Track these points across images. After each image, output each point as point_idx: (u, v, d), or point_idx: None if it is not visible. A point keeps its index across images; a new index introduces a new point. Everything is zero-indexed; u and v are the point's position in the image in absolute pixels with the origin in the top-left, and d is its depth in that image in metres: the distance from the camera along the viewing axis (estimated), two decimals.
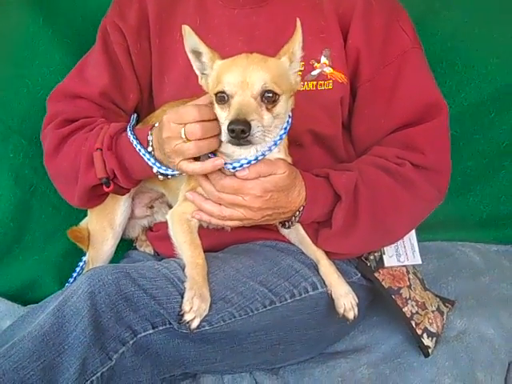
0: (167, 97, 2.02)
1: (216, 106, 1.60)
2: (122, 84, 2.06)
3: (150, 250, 2.16)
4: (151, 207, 2.10)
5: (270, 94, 1.57)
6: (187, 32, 1.63)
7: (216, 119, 1.62)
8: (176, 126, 1.61)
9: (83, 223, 2.14)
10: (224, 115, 1.57)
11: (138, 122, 2.06)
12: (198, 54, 1.66)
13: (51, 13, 2.27)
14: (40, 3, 2.26)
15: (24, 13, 2.24)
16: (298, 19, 1.63)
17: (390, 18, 1.94)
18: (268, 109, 1.57)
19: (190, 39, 1.64)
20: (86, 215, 2.13)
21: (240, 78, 1.55)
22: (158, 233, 2.06)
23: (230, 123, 1.50)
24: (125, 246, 2.19)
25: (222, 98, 1.57)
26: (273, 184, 1.67)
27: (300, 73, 1.73)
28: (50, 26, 2.26)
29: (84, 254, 2.10)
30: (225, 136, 1.54)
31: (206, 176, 1.71)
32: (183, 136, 1.60)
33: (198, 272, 1.66)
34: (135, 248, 2.20)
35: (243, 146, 1.60)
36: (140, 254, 2.16)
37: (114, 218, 2.01)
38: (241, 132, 1.50)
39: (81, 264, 2.09)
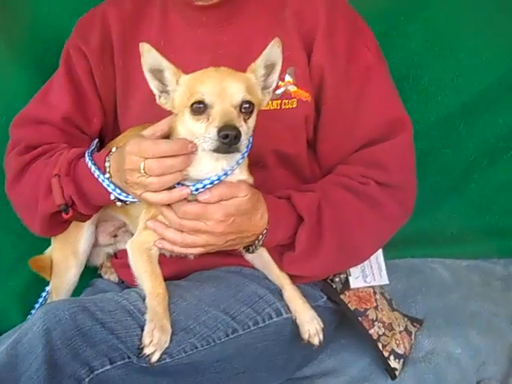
0: (132, 120, 2.00)
1: (189, 118, 1.57)
2: (85, 108, 2.04)
3: (114, 277, 2.13)
4: (115, 236, 2.08)
5: (247, 105, 1.57)
6: (146, 49, 1.60)
7: (176, 155, 1.59)
8: (137, 159, 1.59)
9: (47, 252, 2.11)
10: (201, 126, 1.54)
11: (102, 146, 2.03)
12: (157, 72, 1.63)
13: (13, 38, 2.25)
14: (1, 28, 2.22)
15: None
16: (277, 38, 1.64)
17: (353, 35, 1.94)
18: (245, 120, 1.56)
19: (149, 56, 1.61)
20: (50, 244, 2.10)
21: (218, 87, 1.55)
22: (123, 260, 2.03)
23: (222, 129, 1.48)
24: (89, 273, 2.15)
25: (199, 108, 1.55)
26: (235, 207, 1.65)
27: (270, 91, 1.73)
28: (12, 51, 2.24)
29: (48, 284, 2.07)
30: (212, 144, 1.50)
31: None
32: (142, 171, 1.58)
33: (159, 302, 1.63)
34: (100, 276, 2.17)
35: (229, 154, 1.57)
36: (104, 282, 2.13)
37: (77, 246, 1.98)
38: (234, 137, 1.48)
39: (44, 294, 2.07)
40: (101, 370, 1.53)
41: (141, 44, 1.59)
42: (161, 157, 1.58)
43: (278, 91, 1.89)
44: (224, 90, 1.55)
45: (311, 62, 1.91)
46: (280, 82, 1.89)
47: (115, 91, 2.06)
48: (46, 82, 2.11)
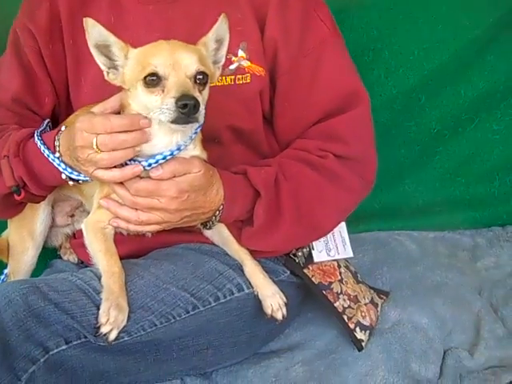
0: (85, 99, 1.95)
1: (142, 91, 1.54)
2: (35, 88, 1.99)
3: (73, 258, 2.10)
4: (72, 216, 2.04)
5: (201, 76, 1.55)
6: (90, 25, 1.56)
7: (128, 131, 1.56)
8: (88, 136, 1.56)
9: (4, 234, 2.07)
10: (156, 98, 1.51)
11: (55, 127, 1.98)
12: (103, 48, 1.59)
13: None
14: None
15: None
16: (223, 14, 1.63)
17: (306, 8, 1.92)
18: (199, 91, 1.54)
19: (94, 32, 1.57)
20: (6, 226, 2.06)
21: (171, 59, 1.52)
22: (81, 240, 1.96)
23: (179, 99, 1.46)
24: (49, 254, 2.13)
25: (153, 81, 1.51)
26: (188, 183, 1.63)
27: (220, 66, 1.72)
28: None
29: (5, 267, 2.03)
30: (170, 115, 1.48)
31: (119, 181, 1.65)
32: (95, 147, 1.55)
33: (115, 281, 1.61)
34: (59, 257, 2.14)
35: (186, 126, 1.54)
36: (64, 263, 2.09)
37: (33, 228, 1.95)
38: (193, 107, 1.46)
39: (2, 277, 2.01)
40: (56, 351, 1.51)
41: (84, 19, 1.55)
42: (113, 132, 1.54)
43: (232, 66, 1.87)
44: (177, 61, 1.53)
45: (264, 36, 1.89)
46: (233, 57, 1.88)
47: (66, 70, 2.01)
48: None
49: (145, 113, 1.56)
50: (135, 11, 1.93)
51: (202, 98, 1.54)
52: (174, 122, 1.49)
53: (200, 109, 1.48)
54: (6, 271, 2.02)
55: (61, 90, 2.03)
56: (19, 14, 2.03)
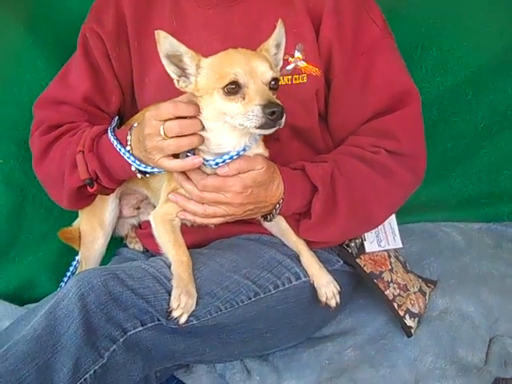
0: (148, 98, 2.06)
1: (222, 99, 1.62)
2: (103, 88, 2.11)
3: (139, 246, 2.22)
4: (138, 208, 2.17)
5: (274, 82, 1.64)
6: (162, 37, 1.64)
7: (194, 117, 1.67)
8: (156, 123, 1.67)
9: (75, 224, 2.21)
10: (237, 105, 1.60)
11: (121, 124, 2.11)
12: (174, 58, 1.68)
13: (32, 20, 2.32)
14: (21, 11, 2.30)
15: (5, 21, 2.29)
16: (280, 19, 1.71)
17: (359, 10, 1.99)
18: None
19: (166, 43, 1.65)
20: (78, 215, 2.20)
21: (248, 68, 1.60)
22: (146, 230, 2.12)
23: (267, 106, 1.55)
24: (115, 243, 2.26)
25: (233, 89, 1.60)
26: (252, 180, 1.73)
27: (278, 69, 1.79)
28: (31, 33, 2.31)
29: (77, 254, 2.17)
30: (257, 121, 1.57)
31: (187, 177, 1.77)
32: (162, 133, 1.66)
33: (184, 269, 1.72)
34: (125, 245, 2.27)
35: (273, 129, 1.62)
36: (130, 251, 2.22)
37: (103, 218, 2.08)
38: (280, 113, 1.55)
39: (74, 263, 2.17)
40: (133, 332, 1.64)
41: (156, 32, 1.64)
42: (178, 116, 1.66)
43: (289, 67, 1.95)
44: (253, 69, 1.61)
45: (319, 37, 1.96)
46: (290, 58, 1.95)
47: (131, 71, 2.13)
48: (65, 63, 2.18)
49: (219, 118, 1.65)
50: (195, 15, 2.03)
51: None
52: (260, 127, 1.58)
53: (285, 114, 1.57)
54: (77, 258, 2.17)
55: (126, 89, 2.15)
56: (87, 19, 2.15)
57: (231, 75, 1.60)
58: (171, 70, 1.69)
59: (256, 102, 1.57)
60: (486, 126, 2.64)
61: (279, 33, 1.74)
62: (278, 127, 1.61)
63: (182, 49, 1.66)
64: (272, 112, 1.55)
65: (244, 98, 1.60)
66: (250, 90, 1.59)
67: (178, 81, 1.71)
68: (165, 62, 1.68)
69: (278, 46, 1.76)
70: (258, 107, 1.56)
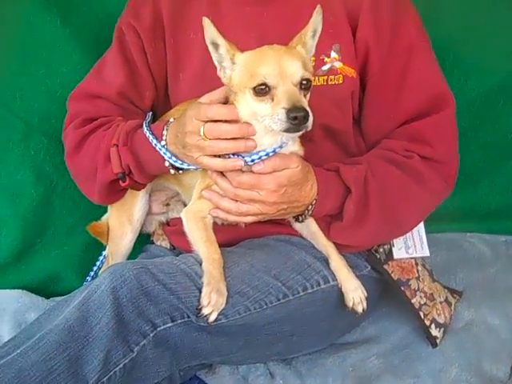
0: (183, 94, 2.07)
1: (252, 99, 1.62)
2: (138, 83, 2.12)
3: (166, 243, 2.22)
4: (167, 205, 2.17)
5: (305, 82, 1.63)
6: (207, 24, 1.66)
7: (235, 121, 1.67)
8: (197, 123, 1.67)
9: (104, 218, 2.21)
10: (266, 107, 1.60)
11: (154, 120, 2.11)
12: (216, 46, 1.69)
13: (68, 13, 2.33)
14: (57, 4, 2.31)
15: (42, 14, 2.29)
16: (319, 6, 1.70)
17: (397, 12, 1.98)
18: (304, 96, 1.63)
19: (210, 31, 1.67)
20: (105, 210, 2.20)
21: (278, 68, 1.60)
22: (175, 228, 2.13)
23: (290, 111, 1.55)
24: (142, 240, 2.25)
25: (262, 90, 1.60)
26: (287, 178, 1.73)
27: (313, 64, 1.79)
28: (67, 26, 2.31)
29: (104, 248, 2.17)
30: (281, 125, 1.57)
31: (222, 174, 1.77)
32: (202, 133, 1.66)
33: (215, 267, 1.72)
34: (152, 242, 2.27)
35: (298, 133, 1.63)
36: (157, 248, 2.22)
37: (132, 214, 2.08)
38: (303, 118, 1.55)
39: (101, 258, 2.17)
40: (163, 327, 1.64)
41: (203, 18, 1.66)
42: (215, 119, 1.66)
43: (324, 67, 1.95)
44: (284, 69, 1.61)
45: (356, 38, 1.96)
46: (326, 59, 1.95)
47: (166, 67, 2.13)
48: (100, 57, 2.20)
49: (252, 117, 1.66)
50: (232, 12, 2.03)
51: (307, 101, 1.63)
52: (285, 131, 1.59)
53: (309, 118, 1.57)
54: (104, 253, 2.17)
55: (160, 84, 2.16)
56: (124, 13, 2.17)
57: (261, 76, 1.60)
58: (215, 58, 1.71)
59: (282, 105, 1.57)
60: None
61: (316, 20, 1.72)
62: (304, 130, 1.61)
63: (219, 40, 1.67)
64: (294, 117, 1.55)
65: (273, 100, 1.60)
66: (279, 91, 1.59)
67: (220, 69, 1.72)
68: (211, 48, 1.70)
69: (314, 34, 1.75)
70: (283, 111, 1.56)
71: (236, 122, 1.68)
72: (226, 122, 1.67)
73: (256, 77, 1.61)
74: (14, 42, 2.32)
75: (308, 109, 1.57)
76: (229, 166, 1.71)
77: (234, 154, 1.71)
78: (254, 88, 1.61)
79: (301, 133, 1.64)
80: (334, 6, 1.96)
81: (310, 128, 1.60)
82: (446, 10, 2.54)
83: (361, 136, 2.09)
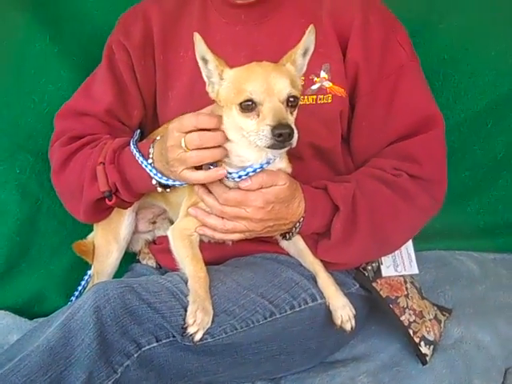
0: (171, 112, 2.05)
1: (238, 115, 1.62)
2: (126, 101, 2.11)
3: (152, 262, 2.20)
4: (154, 222, 2.15)
5: (292, 99, 1.63)
6: (198, 39, 1.67)
7: (216, 129, 1.66)
8: (178, 135, 1.66)
9: (90, 237, 2.19)
10: (252, 123, 1.60)
11: (142, 138, 2.10)
12: (205, 62, 1.69)
13: (58, 31, 2.33)
14: (47, 21, 2.31)
15: (31, 30, 2.29)
16: (312, 25, 1.70)
17: (387, 33, 1.99)
18: (291, 113, 1.63)
19: (200, 46, 1.67)
20: (90, 229, 2.18)
21: (265, 85, 1.60)
22: (161, 246, 2.11)
23: (276, 128, 1.54)
24: (128, 259, 2.23)
25: (248, 106, 1.60)
26: (274, 195, 1.72)
27: (302, 84, 1.79)
28: (56, 43, 2.31)
29: (89, 268, 2.15)
30: (266, 142, 1.56)
31: (208, 190, 1.76)
32: (183, 145, 1.65)
33: (201, 285, 1.70)
34: (138, 261, 2.25)
35: (283, 150, 1.63)
36: (143, 267, 2.20)
37: (118, 232, 2.06)
38: (288, 136, 1.55)
39: (86, 277, 2.14)
40: (148, 347, 1.61)
41: (194, 33, 1.66)
42: (200, 129, 1.65)
43: (314, 87, 1.95)
44: (271, 86, 1.60)
45: (346, 58, 1.97)
46: (315, 78, 1.95)
47: (155, 85, 2.13)
48: (89, 75, 2.19)
49: (238, 133, 1.65)
50: (223, 31, 2.04)
51: (293, 118, 1.63)
52: (269, 147, 1.58)
53: (294, 135, 1.56)
54: (89, 272, 2.14)
55: (149, 103, 2.16)
56: (114, 31, 2.17)
57: (247, 93, 1.60)
58: (204, 73, 1.71)
59: (267, 121, 1.57)
60: (505, 155, 2.64)
61: (308, 39, 1.72)
62: (288, 147, 1.61)
63: (208, 56, 1.68)
64: (279, 134, 1.54)
65: (258, 116, 1.60)
66: (265, 108, 1.59)
67: (209, 85, 1.71)
68: (200, 63, 1.70)
69: (305, 53, 1.75)
70: (268, 127, 1.56)
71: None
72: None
73: (242, 93, 1.61)
74: (2, 58, 2.31)
75: (293, 126, 1.57)
76: (212, 177, 1.70)
77: (216, 166, 1.70)
78: (240, 104, 1.61)
79: (285, 149, 1.64)
80: (324, 27, 1.97)
81: (294, 145, 1.59)
82: (436, 30, 2.56)
83: (349, 155, 2.09)
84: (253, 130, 1.60)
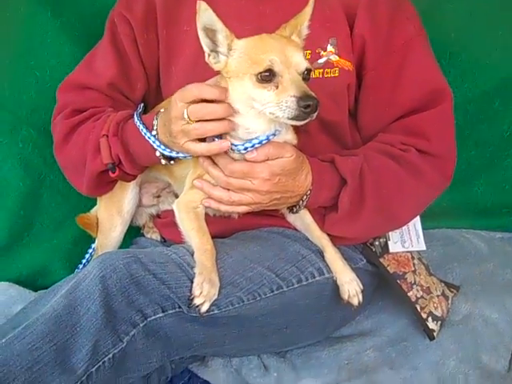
0: (174, 86, 1.99)
1: (254, 86, 1.59)
2: (129, 74, 2.08)
3: (156, 236, 2.19)
4: (158, 197, 2.13)
5: (306, 72, 1.61)
6: (202, 8, 1.60)
7: (220, 101, 1.63)
8: (181, 106, 1.63)
9: (93, 211, 2.18)
10: (270, 94, 1.57)
11: (145, 112, 2.07)
12: (210, 32, 1.64)
13: (59, 5, 2.29)
14: None
15: (32, 5, 2.26)
16: (311, 1, 1.68)
17: (394, 8, 1.96)
18: None
19: (205, 15, 1.61)
20: (94, 204, 2.17)
21: (283, 56, 1.57)
22: (166, 220, 2.10)
23: (301, 99, 1.52)
24: (133, 232, 2.22)
25: (267, 76, 1.57)
26: (280, 167, 1.69)
27: (308, 58, 1.77)
28: (58, 17, 2.28)
29: (93, 242, 2.14)
30: (290, 113, 1.54)
31: (213, 162, 1.73)
32: (186, 116, 1.62)
33: (207, 257, 1.68)
34: (142, 235, 2.23)
35: (303, 122, 1.59)
36: (147, 241, 2.18)
37: (122, 206, 2.04)
38: (315, 107, 1.53)
39: (90, 251, 2.14)
40: (153, 317, 1.60)
41: (198, 2, 1.61)
42: (202, 99, 1.62)
43: (321, 60, 1.93)
44: (288, 58, 1.58)
45: (353, 33, 1.94)
46: (322, 52, 1.93)
47: (158, 58, 2.10)
48: (92, 48, 2.16)
49: (247, 104, 1.62)
50: (228, 5, 1.99)
51: None
52: (293, 118, 1.55)
53: (318, 108, 1.54)
54: (93, 245, 2.13)
55: (152, 76, 2.12)
56: (117, 4, 2.13)
57: (267, 62, 1.57)
58: (205, 43, 1.66)
59: (291, 92, 1.54)
60: None
61: (309, 12, 1.71)
62: (310, 119, 1.58)
63: (218, 25, 1.63)
64: (307, 105, 1.53)
65: (277, 87, 1.57)
66: (285, 79, 1.56)
67: (209, 55, 1.67)
68: (200, 34, 1.64)
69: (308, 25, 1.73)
70: (293, 99, 1.53)
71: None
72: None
73: (261, 63, 1.57)
74: (3, 33, 2.28)
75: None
76: (215, 149, 1.67)
77: (220, 139, 1.67)
78: (258, 74, 1.57)
79: (306, 121, 1.60)
80: (331, 1, 1.95)
81: (315, 117, 1.58)
82: (443, 9, 2.53)
83: (356, 130, 2.06)
84: (272, 101, 1.56)
